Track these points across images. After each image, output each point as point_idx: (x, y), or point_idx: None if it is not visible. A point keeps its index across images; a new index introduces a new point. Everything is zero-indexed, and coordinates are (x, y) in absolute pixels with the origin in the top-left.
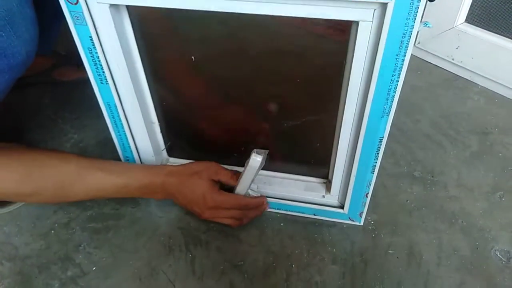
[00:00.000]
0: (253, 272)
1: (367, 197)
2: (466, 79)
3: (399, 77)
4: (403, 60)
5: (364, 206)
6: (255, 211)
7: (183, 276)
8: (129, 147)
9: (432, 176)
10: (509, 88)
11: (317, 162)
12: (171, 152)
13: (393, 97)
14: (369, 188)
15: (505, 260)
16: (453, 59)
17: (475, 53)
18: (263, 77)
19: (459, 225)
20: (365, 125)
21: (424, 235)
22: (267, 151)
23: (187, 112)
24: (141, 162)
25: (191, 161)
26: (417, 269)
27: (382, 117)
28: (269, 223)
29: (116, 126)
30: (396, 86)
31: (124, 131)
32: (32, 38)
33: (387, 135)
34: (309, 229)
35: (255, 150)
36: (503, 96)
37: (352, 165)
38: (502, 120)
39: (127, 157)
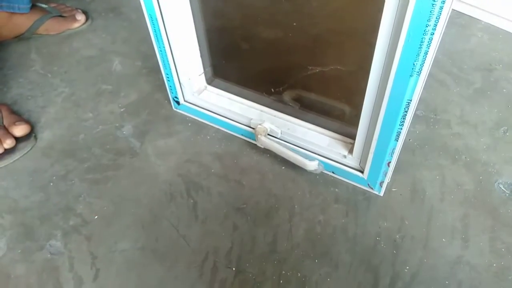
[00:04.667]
0: (256, 214)
1: (389, 166)
2: (470, 15)
3: (435, 28)
4: (441, 8)
5: (385, 175)
6: None
7: (186, 221)
8: (168, 64)
9: (435, 114)
10: None
11: (348, 119)
12: (209, 80)
13: (427, 52)
14: (391, 156)
15: (508, 192)
16: None
17: None
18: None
19: (463, 161)
20: (391, 84)
21: (427, 172)
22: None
23: (229, 38)
24: (179, 82)
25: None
26: (420, 204)
27: (411, 75)
28: (270, 167)
29: (158, 40)
30: (431, 39)
31: (164, 46)
32: None
33: (417, 99)
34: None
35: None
36: (508, 31)
37: (375, 128)
38: (506, 56)
39: (167, 74)
